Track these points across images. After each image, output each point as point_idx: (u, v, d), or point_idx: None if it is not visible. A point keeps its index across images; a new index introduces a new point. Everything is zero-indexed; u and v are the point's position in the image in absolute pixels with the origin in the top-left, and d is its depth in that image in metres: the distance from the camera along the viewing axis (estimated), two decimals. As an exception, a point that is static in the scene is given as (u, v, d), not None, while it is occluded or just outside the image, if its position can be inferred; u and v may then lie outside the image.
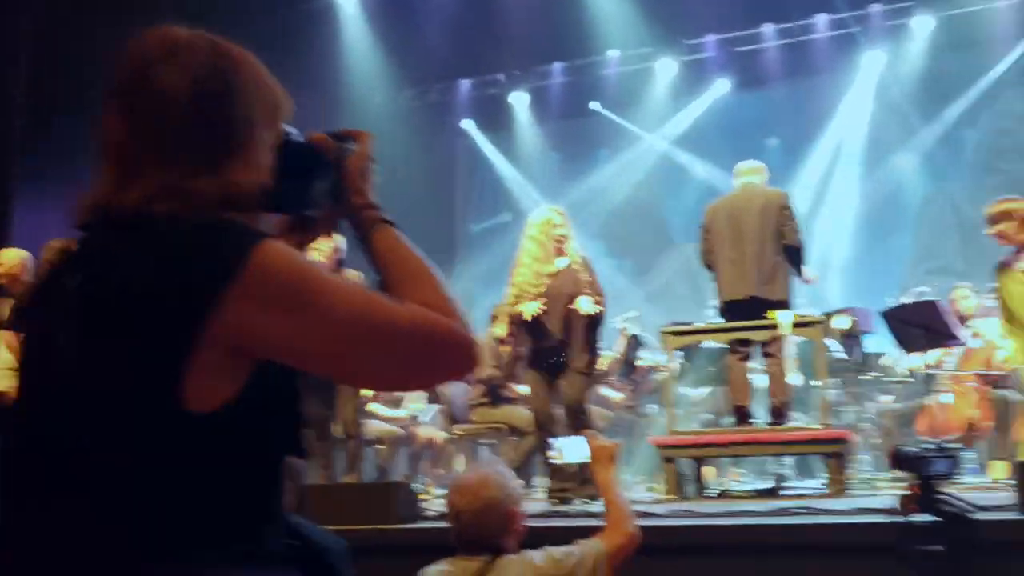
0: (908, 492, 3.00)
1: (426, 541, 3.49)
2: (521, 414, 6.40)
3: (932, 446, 3.04)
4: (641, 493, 5.80)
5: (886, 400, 7.48)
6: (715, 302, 6.07)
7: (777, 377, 5.76)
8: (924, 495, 2.97)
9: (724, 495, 5.40)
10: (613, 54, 11.24)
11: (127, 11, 5.12)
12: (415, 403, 7.49)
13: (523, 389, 6.22)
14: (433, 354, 1.17)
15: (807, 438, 5.31)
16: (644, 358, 7.70)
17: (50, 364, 1.15)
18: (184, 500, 1.08)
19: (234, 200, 1.16)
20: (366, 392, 6.23)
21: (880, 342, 7.24)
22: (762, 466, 7.17)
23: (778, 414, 5.67)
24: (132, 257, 1.11)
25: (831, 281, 10.03)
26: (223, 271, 1.08)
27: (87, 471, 1.09)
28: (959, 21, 10.24)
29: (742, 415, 5.75)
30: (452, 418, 7.20)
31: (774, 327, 5.44)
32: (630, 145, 11.83)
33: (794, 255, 5.73)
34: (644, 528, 2.65)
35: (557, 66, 11.58)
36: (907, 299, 6.81)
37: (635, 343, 7.27)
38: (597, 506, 4.36)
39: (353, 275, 4.66)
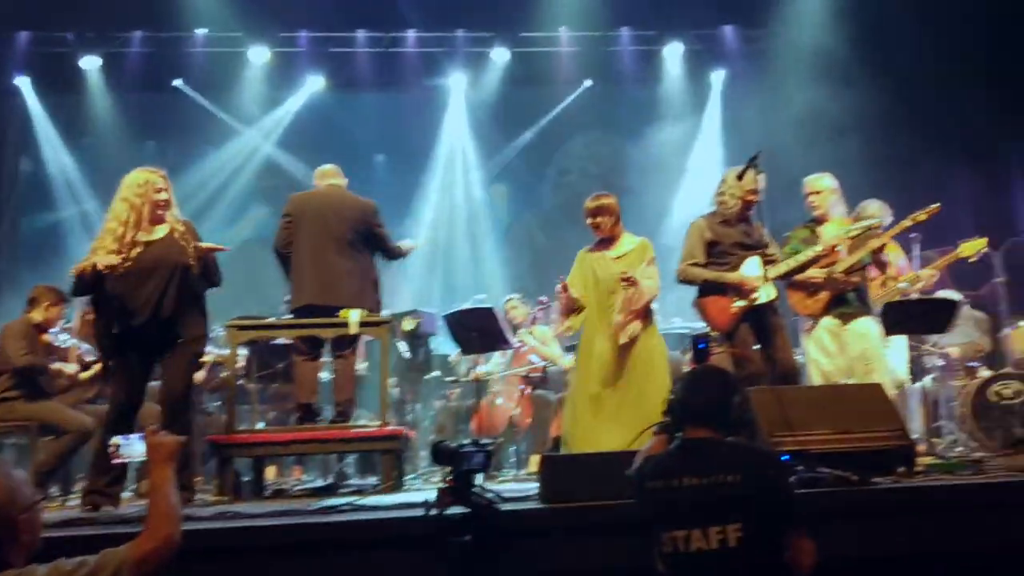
0: (445, 485, 3.16)
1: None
2: (59, 410, 5.77)
3: (469, 442, 3.22)
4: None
5: (453, 397, 7.95)
6: (287, 298, 6.00)
7: (344, 375, 5.84)
8: (458, 488, 3.14)
9: (279, 495, 5.32)
10: (201, 32, 10.72)
11: None
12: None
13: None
14: None
15: (364, 435, 5.41)
16: (211, 352, 7.34)
17: None
18: None
19: None
20: None
21: (445, 343, 7.70)
22: (330, 464, 7.21)
23: (343, 412, 5.75)
24: None
25: (408, 285, 10.52)
26: None
27: None
28: (530, 58, 11.30)
29: (308, 412, 5.73)
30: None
31: (343, 325, 5.49)
32: (224, 136, 11.29)
33: (393, 255, 6.05)
34: (185, 532, 2.49)
35: (137, 35, 10.74)
36: (468, 305, 7.31)
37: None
38: (131, 511, 4.07)
39: None
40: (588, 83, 11.56)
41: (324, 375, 6.44)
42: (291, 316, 5.87)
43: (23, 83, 10.87)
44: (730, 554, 2.72)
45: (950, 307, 5.72)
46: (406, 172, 11.60)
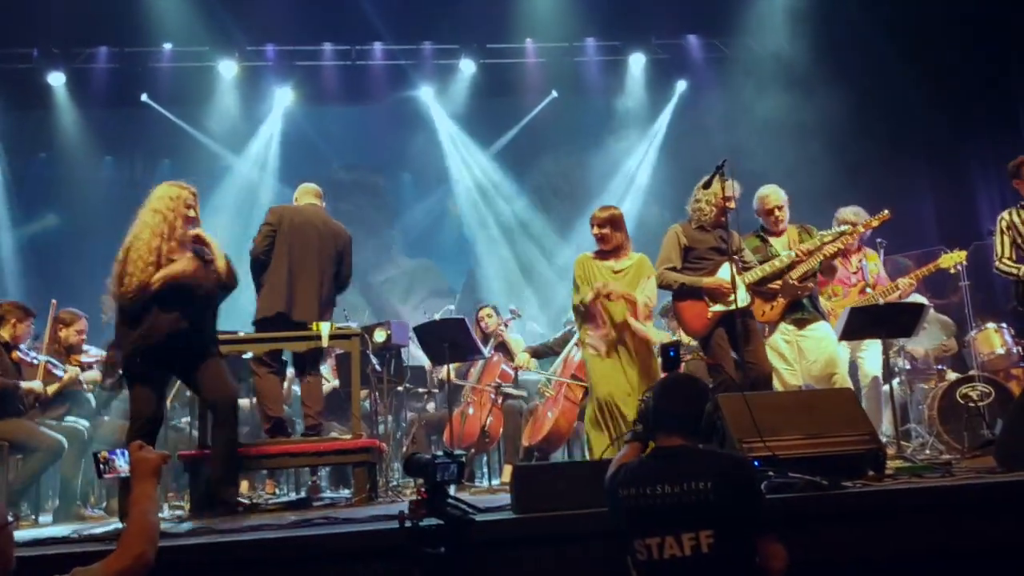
0: (418, 497, 3.16)
1: None
2: (29, 429, 5.70)
3: (441, 453, 3.22)
4: (164, 511, 5.46)
5: (428, 409, 7.94)
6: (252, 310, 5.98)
7: (314, 388, 5.83)
8: (432, 500, 3.14)
9: (252, 509, 5.28)
10: (167, 47, 10.68)
11: None
12: None
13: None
14: None
15: (336, 448, 5.39)
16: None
17: None
18: None
19: None
20: None
21: (416, 354, 7.69)
22: (302, 477, 7.17)
23: (313, 426, 5.74)
24: None
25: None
26: None
27: None
28: (497, 69, 11.34)
29: (278, 426, 5.71)
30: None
31: (315, 337, 5.49)
32: (192, 149, 11.21)
33: (345, 286, 6.09)
34: (159, 548, 2.48)
35: (103, 50, 10.66)
36: (438, 315, 7.32)
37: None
38: (102, 529, 4.03)
39: None
40: (554, 94, 11.61)
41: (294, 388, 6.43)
42: (254, 327, 5.86)
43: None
44: (703, 560, 2.75)
45: (916, 311, 5.81)
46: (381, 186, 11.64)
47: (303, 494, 6.49)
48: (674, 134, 11.47)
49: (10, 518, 2.42)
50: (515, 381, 7.23)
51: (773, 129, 9.54)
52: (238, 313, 6.42)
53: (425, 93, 11.52)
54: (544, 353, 7.20)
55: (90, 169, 11.08)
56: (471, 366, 7.37)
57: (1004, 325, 7.10)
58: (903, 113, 9.62)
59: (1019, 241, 5.79)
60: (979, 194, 9.70)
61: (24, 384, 5.96)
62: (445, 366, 6.58)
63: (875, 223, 5.87)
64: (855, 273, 6.54)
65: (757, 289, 5.73)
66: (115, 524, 4.78)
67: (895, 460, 4.92)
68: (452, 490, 3.26)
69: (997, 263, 5.80)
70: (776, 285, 5.72)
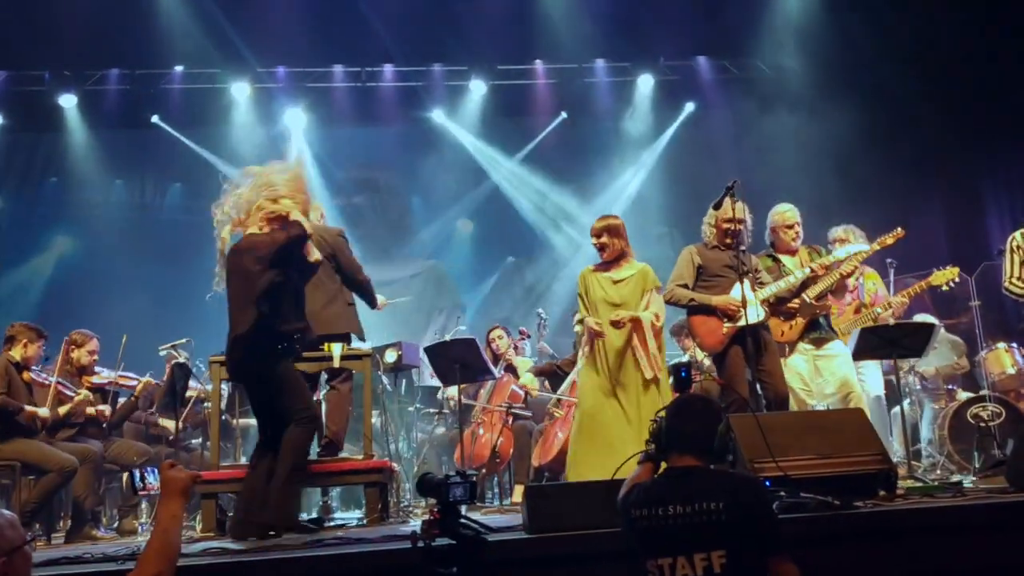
0: (431, 517, 3.16)
1: None
2: (40, 449, 5.72)
3: (454, 473, 3.23)
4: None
5: (439, 430, 7.94)
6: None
7: (337, 406, 5.80)
8: (444, 520, 3.15)
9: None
10: (179, 69, 10.77)
11: None
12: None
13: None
14: None
15: (347, 468, 5.40)
16: (192, 387, 7.31)
17: None
18: None
19: None
20: None
21: (425, 375, 7.71)
22: (313, 497, 7.17)
23: (330, 445, 5.72)
24: None
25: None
26: None
27: None
28: (507, 90, 11.41)
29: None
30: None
31: (326, 359, 5.49)
32: (203, 171, 11.27)
33: (354, 281, 5.87)
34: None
35: (114, 72, 10.78)
36: (449, 336, 7.34)
37: (182, 372, 6.85)
38: (115, 549, 4.04)
39: None
40: (563, 115, 11.67)
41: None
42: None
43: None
44: (716, 580, 2.75)
45: (926, 331, 5.81)
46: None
47: (315, 514, 6.49)
48: (682, 154, 11.49)
49: (28, 537, 2.44)
50: (525, 401, 7.24)
51: (783, 149, 9.56)
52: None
53: (437, 116, 11.57)
54: (549, 371, 7.22)
55: (101, 191, 11.17)
56: (480, 387, 7.38)
57: (1015, 345, 7.09)
58: (914, 133, 9.62)
59: None
60: (990, 214, 9.69)
61: (28, 408, 5.90)
62: (452, 386, 6.59)
63: (889, 241, 5.87)
64: (851, 292, 6.55)
65: (777, 309, 5.74)
66: (128, 544, 4.79)
67: (906, 480, 4.91)
68: (463, 510, 3.26)
69: (1006, 283, 5.79)
70: (795, 304, 5.73)
